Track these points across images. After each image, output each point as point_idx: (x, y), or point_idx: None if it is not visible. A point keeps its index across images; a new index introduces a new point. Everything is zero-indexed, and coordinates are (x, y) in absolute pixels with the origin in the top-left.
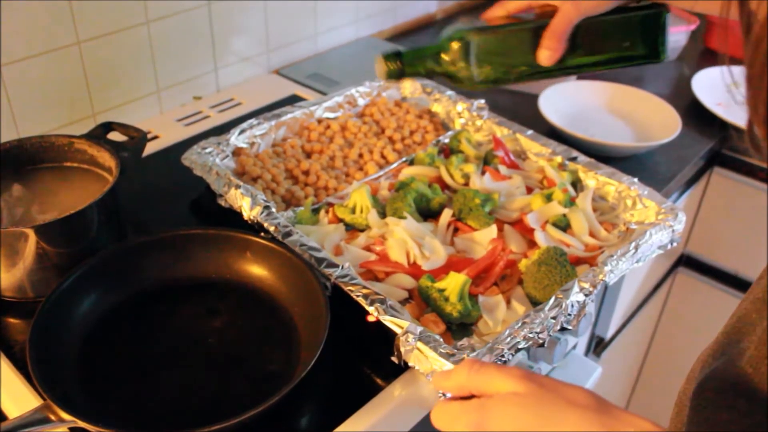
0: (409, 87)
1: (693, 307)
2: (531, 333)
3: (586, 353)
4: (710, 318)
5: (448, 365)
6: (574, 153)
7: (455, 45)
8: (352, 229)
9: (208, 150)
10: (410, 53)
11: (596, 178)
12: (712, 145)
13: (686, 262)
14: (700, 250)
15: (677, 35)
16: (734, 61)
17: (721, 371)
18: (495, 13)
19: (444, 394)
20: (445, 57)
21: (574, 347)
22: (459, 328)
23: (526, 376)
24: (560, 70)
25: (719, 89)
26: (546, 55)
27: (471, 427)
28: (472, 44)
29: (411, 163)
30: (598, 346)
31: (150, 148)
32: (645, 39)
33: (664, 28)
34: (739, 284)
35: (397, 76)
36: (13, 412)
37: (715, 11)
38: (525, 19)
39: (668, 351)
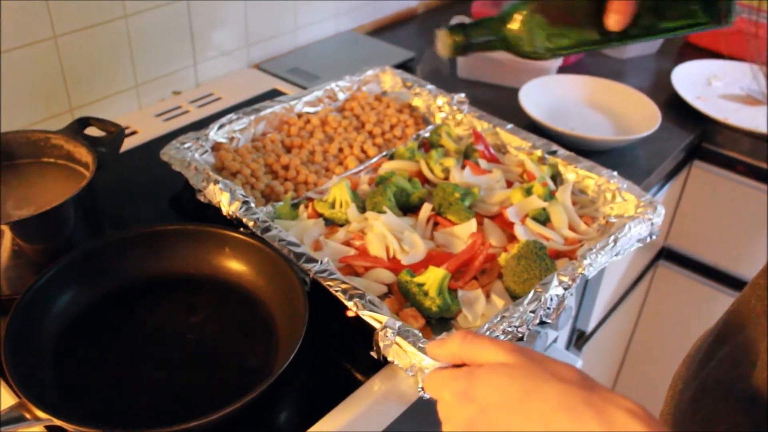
0: (389, 81)
1: (674, 299)
2: (510, 327)
3: (567, 347)
4: (691, 311)
5: (427, 360)
6: (554, 147)
7: (520, 14)
8: (332, 224)
9: (186, 145)
10: (475, 25)
11: (576, 172)
12: (692, 138)
13: (667, 255)
14: (680, 243)
15: None
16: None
17: (723, 377)
18: None
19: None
20: (510, 27)
21: (555, 341)
22: (438, 322)
23: (516, 348)
24: (629, 37)
25: (699, 83)
26: (615, 20)
27: (457, 393)
28: (538, 13)
29: (391, 157)
30: (579, 339)
31: (129, 143)
32: (711, 1)
33: None
34: (720, 277)
35: (462, 49)
36: None
37: None
38: None
39: (649, 343)
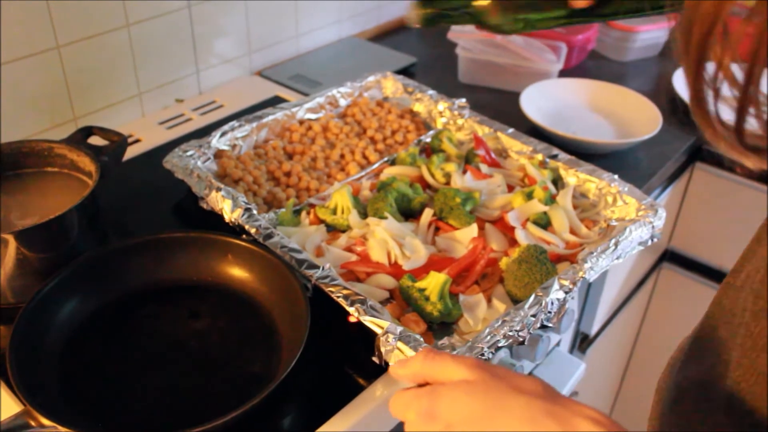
0: (391, 87)
1: (678, 302)
2: (511, 331)
3: (571, 350)
4: (695, 313)
5: None
6: (555, 151)
7: None
8: (334, 230)
9: (189, 153)
10: None
11: (577, 176)
12: (694, 140)
13: (670, 257)
14: (683, 245)
15: (658, 32)
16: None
17: (701, 378)
18: None
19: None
20: (479, 1)
21: (558, 344)
22: (440, 327)
23: (477, 364)
24: (595, 15)
25: None
26: None
27: (421, 413)
28: None
29: (392, 163)
30: (582, 342)
31: (132, 152)
32: None
33: None
34: (723, 278)
35: (431, 21)
36: None
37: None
38: None
39: (654, 346)
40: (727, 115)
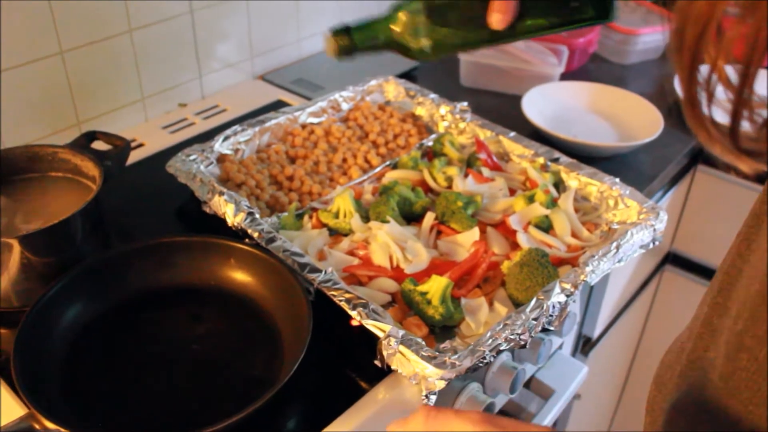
0: (393, 91)
1: (681, 304)
2: (512, 334)
3: (573, 353)
4: None
5: (430, 368)
6: (557, 154)
7: (404, 15)
8: (336, 234)
9: (192, 157)
10: (360, 27)
11: (578, 179)
12: (695, 143)
13: (673, 260)
14: (686, 247)
15: (659, 34)
16: None
17: (694, 394)
18: None
19: None
20: (395, 28)
21: (560, 347)
22: (442, 330)
23: (484, 419)
24: (513, 35)
25: None
26: (497, 19)
27: None
28: (422, 13)
29: (394, 166)
30: (585, 345)
31: (135, 156)
32: None
33: None
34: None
35: (348, 52)
36: None
37: None
38: None
39: (657, 349)
40: (721, 117)
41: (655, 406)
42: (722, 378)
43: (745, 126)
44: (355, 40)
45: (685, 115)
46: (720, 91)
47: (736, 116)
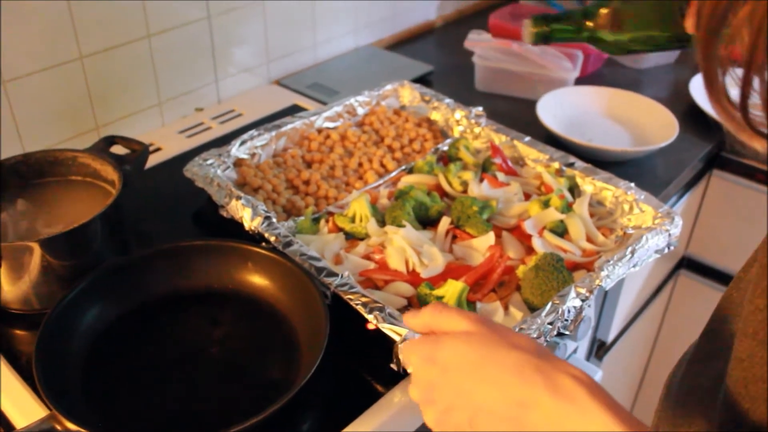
0: (408, 95)
1: (695, 309)
2: None
3: (588, 357)
4: None
5: None
6: (572, 159)
7: (603, 11)
8: (352, 238)
9: (209, 161)
10: (558, 18)
11: (593, 184)
12: (711, 147)
13: (688, 264)
14: (701, 252)
15: None
16: None
17: (707, 377)
18: None
19: None
20: (591, 23)
21: (575, 351)
22: None
23: (479, 319)
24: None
25: None
26: (693, 22)
27: (423, 357)
28: (619, 11)
29: (410, 171)
30: (599, 349)
31: (153, 160)
32: None
33: None
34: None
35: (544, 39)
36: (20, 422)
37: None
38: None
39: (672, 353)
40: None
41: (671, 381)
42: (742, 386)
43: (756, 105)
44: (552, 29)
45: (704, 89)
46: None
47: (744, 93)
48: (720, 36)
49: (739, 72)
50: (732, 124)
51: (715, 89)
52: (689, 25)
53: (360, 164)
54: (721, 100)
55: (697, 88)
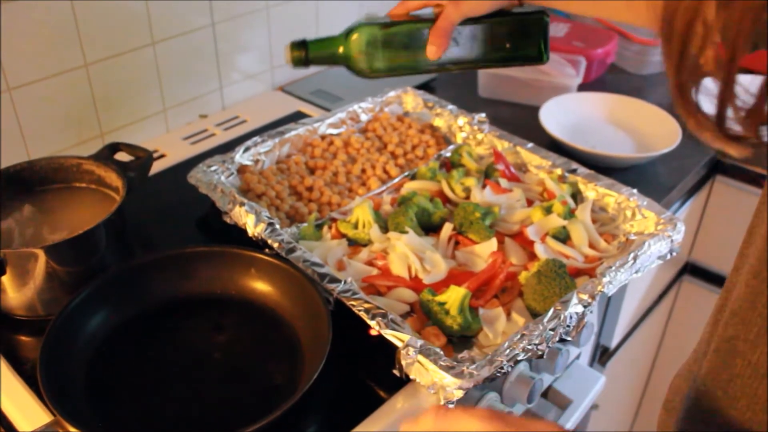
0: (411, 102)
1: (699, 315)
2: (530, 345)
3: (591, 363)
4: None
5: (448, 378)
6: (574, 165)
7: (354, 37)
8: (355, 244)
9: (213, 168)
10: (315, 43)
11: (596, 190)
12: (713, 154)
13: (691, 270)
14: (704, 258)
15: None
16: None
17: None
18: (397, 11)
19: None
20: (345, 48)
21: (578, 357)
22: (460, 340)
23: (491, 416)
24: (450, 64)
25: None
26: (432, 50)
27: None
28: (370, 38)
29: (413, 177)
30: (602, 355)
31: (157, 167)
32: (526, 41)
33: (544, 31)
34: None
35: (302, 63)
36: (25, 427)
37: None
38: (422, 17)
39: (675, 359)
40: (708, 105)
41: (665, 429)
42: (721, 388)
43: (731, 114)
44: (309, 53)
45: (673, 102)
46: (707, 81)
47: (722, 103)
48: (690, 46)
49: (710, 83)
50: (706, 134)
51: (688, 102)
52: (429, 52)
53: (363, 170)
54: (694, 113)
55: (699, 94)
